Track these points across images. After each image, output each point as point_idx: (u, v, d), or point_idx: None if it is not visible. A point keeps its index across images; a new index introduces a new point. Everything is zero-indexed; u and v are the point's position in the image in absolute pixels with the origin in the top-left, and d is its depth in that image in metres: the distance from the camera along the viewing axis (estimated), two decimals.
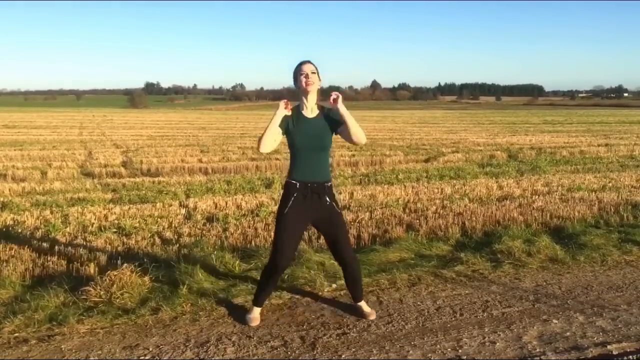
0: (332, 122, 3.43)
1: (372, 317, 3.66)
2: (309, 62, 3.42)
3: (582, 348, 3.20)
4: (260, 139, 3.33)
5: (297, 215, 3.40)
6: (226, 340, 3.32)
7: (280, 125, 3.35)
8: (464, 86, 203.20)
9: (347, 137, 3.42)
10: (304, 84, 3.36)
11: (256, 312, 3.63)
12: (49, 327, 3.46)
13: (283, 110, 3.34)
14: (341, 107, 3.31)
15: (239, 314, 3.70)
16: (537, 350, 3.17)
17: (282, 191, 3.53)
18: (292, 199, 3.39)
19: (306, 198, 3.40)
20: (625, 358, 3.08)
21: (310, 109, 3.44)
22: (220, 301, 3.88)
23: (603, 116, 49.04)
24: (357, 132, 3.39)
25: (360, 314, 3.69)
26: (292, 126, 3.39)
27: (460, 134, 24.08)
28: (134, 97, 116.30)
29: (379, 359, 3.08)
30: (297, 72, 3.39)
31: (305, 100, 3.43)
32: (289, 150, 3.47)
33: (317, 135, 3.40)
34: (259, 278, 3.69)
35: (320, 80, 3.43)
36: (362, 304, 3.74)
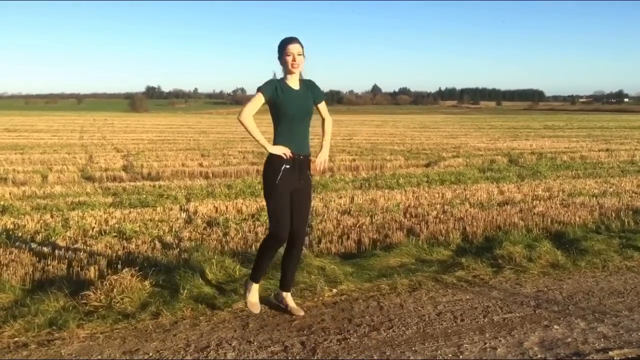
0: (314, 94, 3.62)
1: (300, 313, 3.71)
2: (296, 41, 3.48)
3: (584, 354, 3.19)
4: (244, 115, 3.41)
5: (287, 185, 3.51)
6: (226, 345, 3.31)
7: (264, 93, 3.44)
8: (464, 91, 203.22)
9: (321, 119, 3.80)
10: (289, 66, 3.47)
11: (256, 294, 3.70)
12: (49, 331, 3.45)
13: (280, 152, 3.47)
14: (324, 162, 3.73)
15: (241, 319, 3.69)
16: (539, 356, 3.16)
17: (266, 162, 3.58)
18: (282, 169, 3.47)
19: (294, 169, 3.51)
20: None
21: (293, 83, 3.54)
22: (221, 306, 3.87)
23: (604, 121, 49.03)
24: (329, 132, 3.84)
25: (284, 307, 3.77)
26: (278, 95, 3.45)
27: (460, 139, 24.09)
28: (134, 101, 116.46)
29: None
30: (284, 51, 3.47)
31: (289, 76, 3.53)
32: (273, 126, 3.55)
33: (304, 103, 3.54)
34: (257, 255, 3.76)
35: (305, 59, 3.53)
36: (289, 295, 3.81)
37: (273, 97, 3.45)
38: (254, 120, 3.46)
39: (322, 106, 3.72)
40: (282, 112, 3.48)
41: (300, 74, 3.58)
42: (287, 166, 3.47)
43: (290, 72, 3.50)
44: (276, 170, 3.47)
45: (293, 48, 3.44)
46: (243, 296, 3.79)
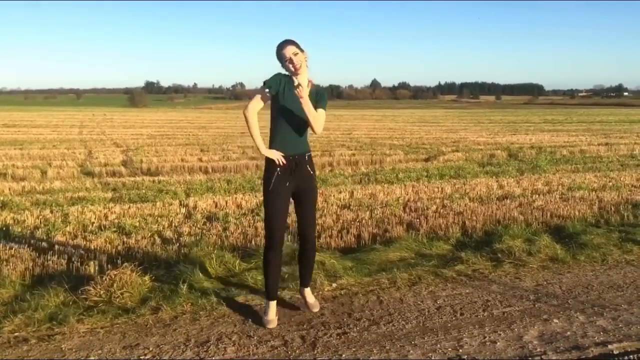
0: (316, 99, 3.47)
1: (316, 309, 3.72)
2: (289, 43, 3.37)
3: (583, 347, 3.19)
4: (250, 110, 3.40)
5: (282, 190, 3.44)
6: (226, 339, 3.31)
7: (270, 89, 3.37)
8: (464, 85, 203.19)
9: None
10: (292, 69, 3.36)
11: (272, 311, 3.56)
12: (49, 326, 3.46)
13: (274, 157, 3.41)
14: (308, 107, 3.34)
15: (241, 314, 3.70)
16: (538, 349, 3.17)
17: (264, 166, 3.53)
18: (276, 174, 3.42)
19: (288, 170, 3.44)
20: (626, 358, 3.07)
21: (300, 85, 3.42)
22: (221, 300, 3.88)
23: (603, 115, 48.99)
24: (315, 124, 3.42)
25: (304, 303, 3.76)
26: (283, 90, 3.39)
27: (460, 133, 24.07)
28: (134, 96, 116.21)
29: (380, 358, 3.08)
30: (281, 58, 3.39)
31: (295, 78, 3.41)
32: (270, 121, 3.47)
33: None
34: (262, 271, 3.69)
35: (305, 54, 3.42)
36: (308, 291, 3.80)
37: (278, 92, 3.39)
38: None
39: (321, 113, 3.48)
40: (282, 109, 3.40)
41: (311, 83, 3.49)
42: (279, 169, 3.42)
43: (296, 75, 3.39)
44: (271, 174, 3.44)
45: (287, 51, 3.34)
46: (264, 315, 3.60)
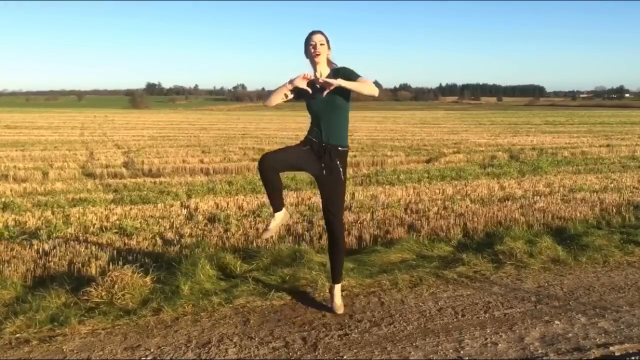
0: (345, 77, 3.43)
1: (340, 311, 3.70)
2: (318, 32, 3.56)
3: (584, 349, 3.19)
4: (268, 98, 3.56)
5: (305, 154, 3.56)
6: (227, 341, 3.31)
7: (292, 89, 3.48)
8: (465, 87, 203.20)
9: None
10: (311, 55, 3.52)
11: (273, 221, 3.71)
12: (51, 327, 3.46)
13: (300, 82, 3.42)
14: (339, 83, 3.33)
15: (242, 315, 3.70)
16: (539, 351, 3.17)
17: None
18: (308, 146, 3.57)
19: (319, 154, 3.55)
20: (627, 359, 3.07)
21: (320, 74, 3.55)
22: (222, 302, 3.87)
23: (604, 117, 48.97)
24: (364, 90, 3.44)
25: (330, 302, 3.77)
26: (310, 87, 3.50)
27: (461, 135, 24.06)
28: (135, 98, 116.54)
29: (381, 359, 3.08)
30: (307, 42, 3.54)
31: (314, 69, 3.57)
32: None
33: (329, 98, 3.45)
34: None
35: (329, 49, 3.57)
36: (335, 287, 3.76)
37: (300, 91, 3.48)
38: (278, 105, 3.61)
39: (362, 80, 3.46)
40: (308, 106, 3.56)
41: (332, 64, 3.60)
42: (308, 147, 3.56)
43: (314, 62, 3.54)
44: (304, 143, 3.59)
45: (315, 38, 3.51)
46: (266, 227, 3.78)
